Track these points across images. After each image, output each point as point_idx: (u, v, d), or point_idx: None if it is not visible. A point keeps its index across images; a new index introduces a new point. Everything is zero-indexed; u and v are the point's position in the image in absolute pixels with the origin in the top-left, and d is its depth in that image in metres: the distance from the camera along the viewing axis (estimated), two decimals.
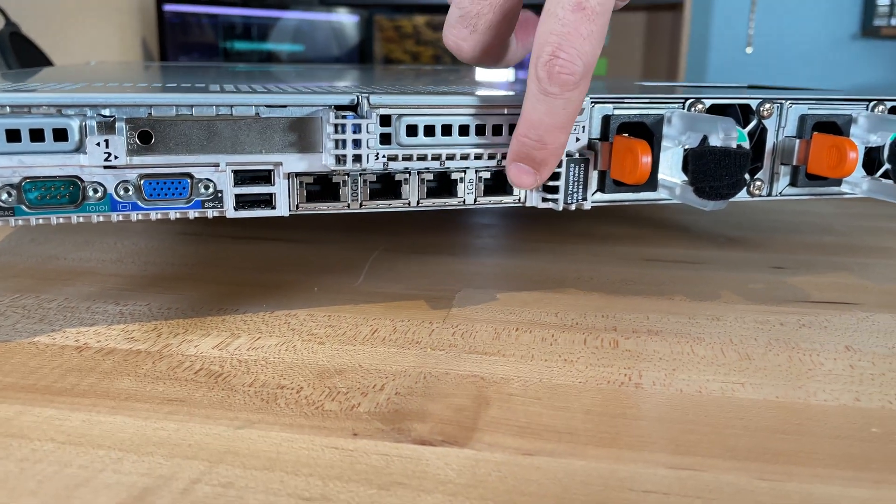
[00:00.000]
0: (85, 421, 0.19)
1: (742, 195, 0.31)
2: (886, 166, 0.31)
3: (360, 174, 0.26)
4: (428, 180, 0.27)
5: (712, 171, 0.26)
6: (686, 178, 0.27)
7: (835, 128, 0.31)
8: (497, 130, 0.27)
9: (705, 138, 0.26)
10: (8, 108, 0.22)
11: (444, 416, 0.20)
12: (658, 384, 0.22)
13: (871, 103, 0.31)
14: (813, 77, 2.24)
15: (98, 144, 0.23)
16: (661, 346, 0.25)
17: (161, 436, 0.19)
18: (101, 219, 0.24)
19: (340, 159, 0.25)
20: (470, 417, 0.20)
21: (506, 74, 0.60)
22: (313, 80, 0.40)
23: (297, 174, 0.26)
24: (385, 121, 0.26)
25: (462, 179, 0.27)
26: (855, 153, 0.28)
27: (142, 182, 0.24)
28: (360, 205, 0.27)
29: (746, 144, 0.30)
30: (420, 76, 0.53)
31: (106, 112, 0.23)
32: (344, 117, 0.24)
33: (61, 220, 0.24)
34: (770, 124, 0.30)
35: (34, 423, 0.19)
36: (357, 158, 0.25)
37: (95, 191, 0.24)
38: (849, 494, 0.17)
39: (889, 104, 0.31)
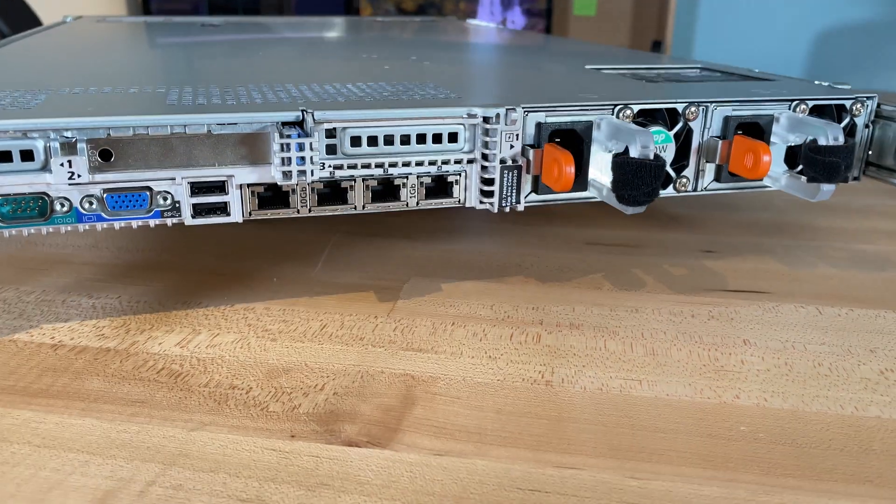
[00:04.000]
0: (58, 423, 0.22)
1: (669, 191, 0.33)
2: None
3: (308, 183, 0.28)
4: (373, 186, 0.30)
5: (630, 180, 0.28)
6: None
7: (758, 127, 0.33)
8: (437, 139, 0.29)
9: (627, 148, 0.29)
10: None
11: (373, 417, 0.23)
12: (566, 382, 0.25)
13: (794, 103, 0.33)
14: (798, 26, 2.22)
15: (62, 165, 0.25)
16: (578, 340, 0.28)
17: (123, 438, 0.22)
18: (69, 229, 0.27)
19: (287, 174, 0.27)
20: (395, 418, 0.23)
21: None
22: (293, 30, 0.41)
23: (249, 184, 0.28)
24: (330, 133, 0.28)
25: (405, 185, 0.30)
26: (769, 157, 0.31)
27: (105, 196, 0.26)
28: (310, 210, 0.29)
29: (672, 146, 0.32)
30: (404, 33, 0.55)
31: (68, 134, 0.25)
32: (289, 136, 0.27)
33: (32, 232, 0.26)
34: (696, 126, 0.32)
35: (13, 426, 0.22)
36: (302, 172, 0.27)
37: (62, 205, 0.26)
38: (701, 493, 0.20)
39: (811, 103, 0.33)
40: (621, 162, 0.28)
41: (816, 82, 0.38)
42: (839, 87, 0.37)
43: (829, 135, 0.30)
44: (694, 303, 0.31)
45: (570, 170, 0.28)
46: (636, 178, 0.28)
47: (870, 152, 0.36)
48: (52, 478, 0.20)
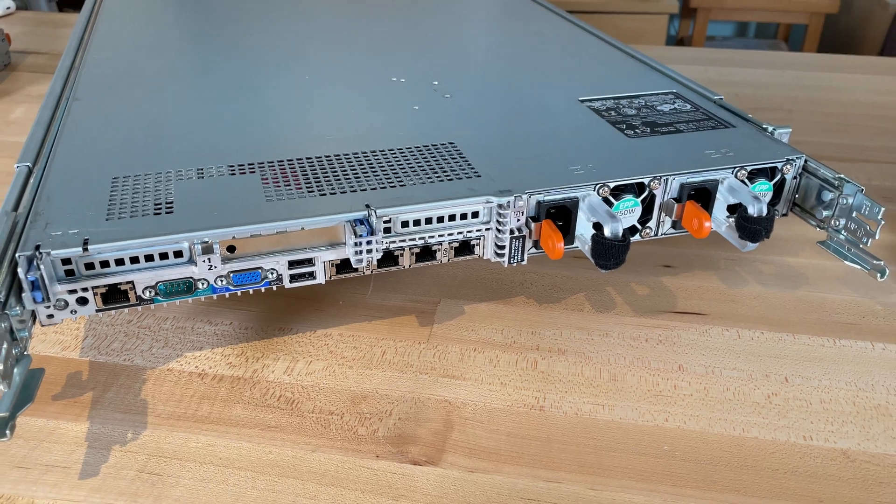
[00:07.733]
0: (225, 446, 0.34)
1: (636, 238, 0.44)
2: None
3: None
4: (416, 252, 0.40)
5: (603, 253, 0.39)
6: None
7: (706, 190, 0.43)
8: (463, 216, 0.40)
9: (601, 226, 0.39)
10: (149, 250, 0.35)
11: (427, 440, 0.35)
12: (553, 408, 0.37)
13: (735, 169, 0.43)
14: None
15: (203, 260, 0.36)
16: (563, 366, 0.40)
17: (270, 459, 0.34)
18: (205, 299, 0.38)
19: (359, 259, 0.38)
20: (441, 440, 0.35)
21: None
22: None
23: (330, 260, 0.39)
24: (387, 220, 0.39)
25: (439, 248, 0.41)
26: (709, 223, 0.41)
27: (231, 275, 0.37)
28: (372, 272, 0.40)
29: (638, 210, 0.43)
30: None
31: (206, 240, 0.36)
32: (361, 236, 0.37)
33: (179, 301, 0.38)
34: (658, 192, 0.43)
35: (197, 449, 0.34)
36: (370, 252, 0.38)
37: (202, 284, 0.37)
38: (632, 500, 0.32)
39: (749, 168, 0.44)
40: (597, 240, 0.39)
41: (764, 126, 0.48)
42: (780, 130, 0.47)
43: (755, 207, 0.41)
44: (649, 326, 0.43)
45: (561, 245, 0.39)
46: (608, 252, 0.39)
47: (797, 195, 0.46)
48: (234, 491, 0.32)
